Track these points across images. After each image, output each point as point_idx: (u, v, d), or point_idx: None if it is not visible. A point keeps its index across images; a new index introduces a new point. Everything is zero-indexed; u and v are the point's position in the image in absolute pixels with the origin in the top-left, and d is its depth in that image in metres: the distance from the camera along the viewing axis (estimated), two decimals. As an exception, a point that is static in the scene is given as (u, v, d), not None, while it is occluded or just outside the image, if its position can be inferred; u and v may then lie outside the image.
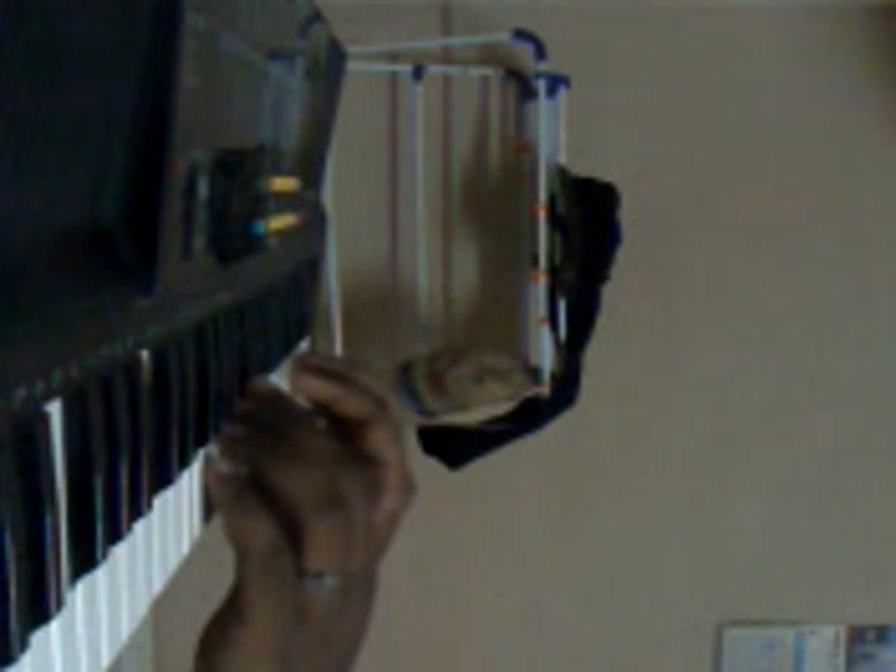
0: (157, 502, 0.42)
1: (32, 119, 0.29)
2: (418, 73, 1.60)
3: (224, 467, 0.49)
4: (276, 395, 0.55)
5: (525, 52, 1.62)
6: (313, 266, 0.75)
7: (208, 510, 0.51)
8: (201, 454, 0.48)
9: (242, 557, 0.48)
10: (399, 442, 0.55)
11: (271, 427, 0.52)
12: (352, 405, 0.55)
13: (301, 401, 0.58)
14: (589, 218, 1.58)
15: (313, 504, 0.48)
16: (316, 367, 0.57)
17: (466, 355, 1.58)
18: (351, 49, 0.76)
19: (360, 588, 0.52)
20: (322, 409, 0.56)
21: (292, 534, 0.49)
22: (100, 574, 0.37)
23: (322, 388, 0.56)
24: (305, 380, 0.56)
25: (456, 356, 1.58)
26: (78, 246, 0.34)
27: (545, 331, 1.58)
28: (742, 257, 1.74)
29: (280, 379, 0.58)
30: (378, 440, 0.55)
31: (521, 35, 1.57)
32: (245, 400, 0.54)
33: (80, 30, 0.31)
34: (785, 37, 1.70)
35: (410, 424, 1.59)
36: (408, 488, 0.56)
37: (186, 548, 0.48)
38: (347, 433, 0.55)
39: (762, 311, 1.76)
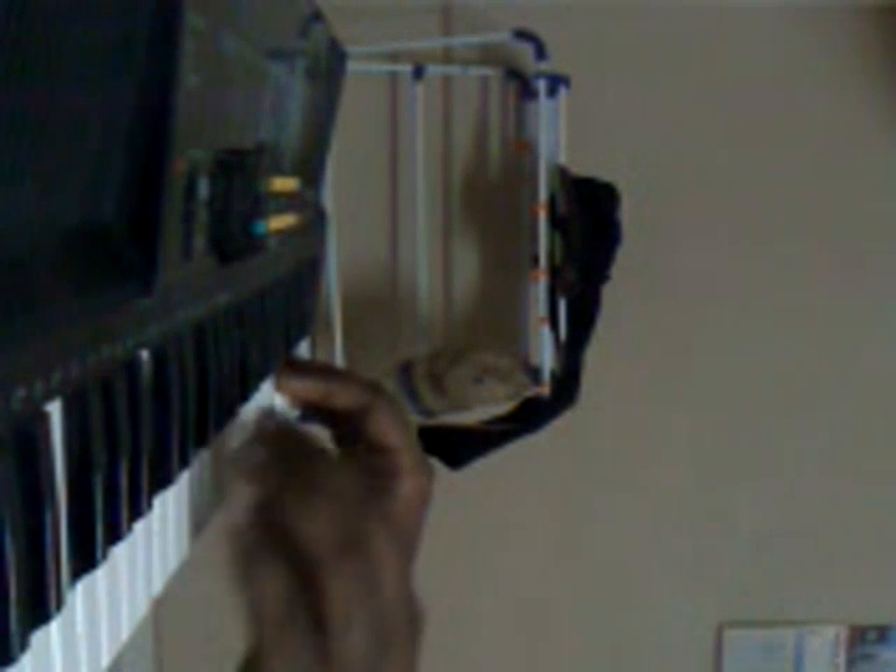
0: (157, 502, 0.42)
1: (32, 119, 0.29)
2: (418, 73, 1.60)
3: (239, 516, 0.46)
4: (286, 430, 0.52)
5: (525, 52, 1.62)
6: (313, 266, 0.75)
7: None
8: (201, 454, 0.48)
9: (255, 620, 0.45)
10: (401, 425, 0.53)
11: (283, 463, 0.49)
12: (344, 397, 0.53)
13: (291, 409, 0.57)
14: (589, 218, 1.58)
15: (330, 550, 0.45)
16: (299, 368, 0.56)
17: (466, 355, 1.58)
18: (351, 48, 0.76)
19: (399, 625, 0.47)
20: (315, 409, 0.55)
21: (309, 583, 0.45)
22: (100, 574, 0.37)
23: (310, 386, 0.54)
24: (292, 381, 0.55)
25: (456, 356, 1.58)
26: (78, 246, 0.34)
27: (545, 331, 1.58)
28: (742, 256, 1.74)
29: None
30: (379, 425, 0.52)
31: (521, 35, 1.57)
32: (256, 441, 0.51)
33: (80, 30, 0.31)
34: (785, 37, 1.70)
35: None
36: (423, 469, 0.52)
37: (186, 548, 0.48)
38: (347, 428, 0.53)
39: (762, 310, 1.76)
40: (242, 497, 0.47)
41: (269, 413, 0.54)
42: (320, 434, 0.55)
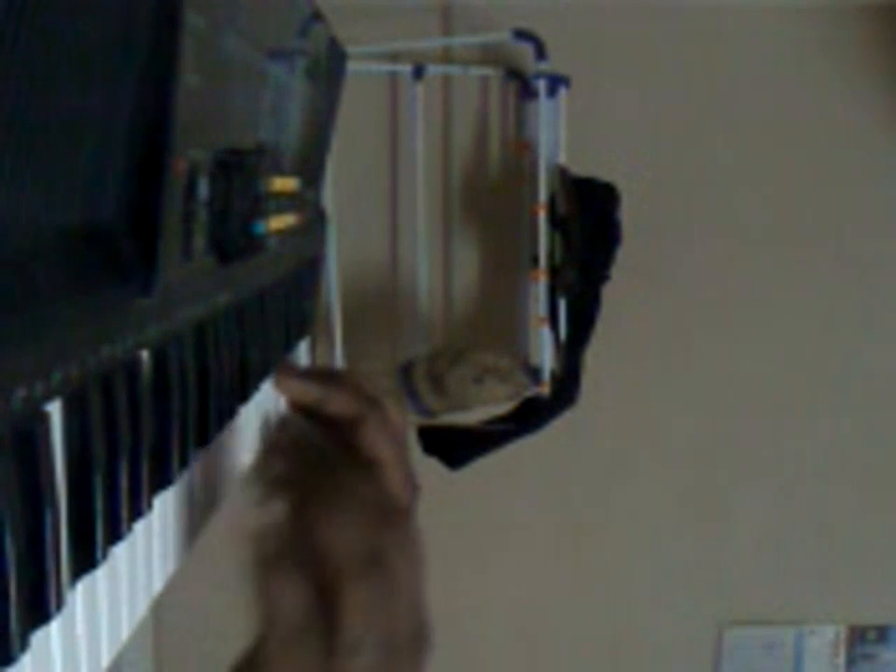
0: (157, 502, 0.42)
1: (33, 120, 0.29)
2: (418, 73, 1.60)
3: (261, 523, 0.46)
4: (305, 439, 0.52)
5: (525, 52, 1.62)
6: (313, 266, 0.75)
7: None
8: (201, 454, 0.48)
9: (269, 624, 0.45)
10: (393, 439, 0.52)
11: (308, 466, 0.49)
12: (338, 404, 0.53)
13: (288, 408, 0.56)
14: (589, 218, 1.58)
15: (353, 562, 0.45)
16: (299, 371, 0.56)
17: (466, 355, 1.58)
18: (351, 49, 0.76)
19: (408, 646, 0.47)
20: (310, 413, 0.54)
21: (327, 593, 0.45)
22: (100, 574, 0.37)
23: (306, 390, 0.54)
24: (289, 382, 0.55)
25: (456, 356, 1.58)
26: (79, 246, 0.34)
27: (545, 331, 1.58)
28: (742, 256, 1.74)
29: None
30: (369, 438, 0.51)
31: (521, 34, 1.58)
32: (277, 431, 0.51)
33: (81, 30, 0.31)
34: (784, 37, 1.70)
35: (410, 424, 1.59)
36: (408, 488, 0.52)
37: (186, 548, 0.48)
38: (341, 436, 0.53)
39: (761, 310, 1.76)
40: (264, 504, 0.47)
41: (286, 422, 0.53)
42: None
